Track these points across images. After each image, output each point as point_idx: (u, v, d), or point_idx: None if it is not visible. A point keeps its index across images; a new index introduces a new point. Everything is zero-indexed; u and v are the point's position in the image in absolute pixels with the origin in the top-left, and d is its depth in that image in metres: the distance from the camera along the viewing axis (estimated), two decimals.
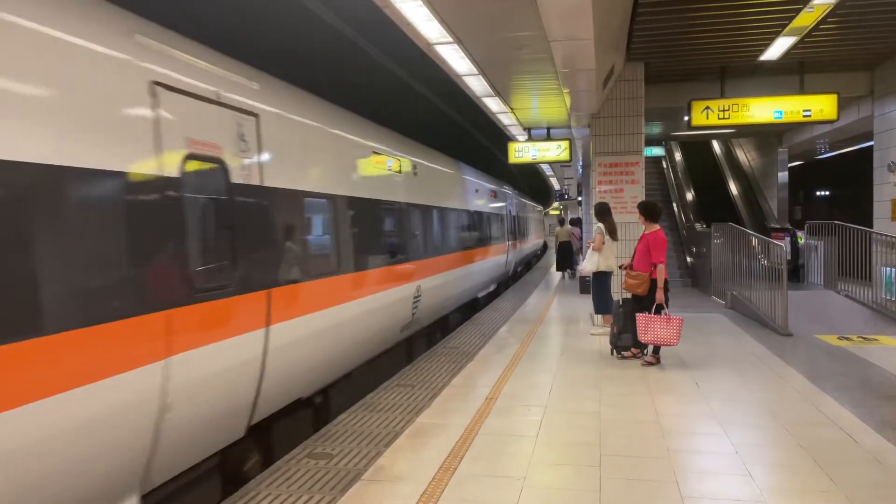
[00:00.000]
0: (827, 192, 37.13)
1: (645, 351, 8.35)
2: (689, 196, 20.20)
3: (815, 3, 8.58)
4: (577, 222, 21.26)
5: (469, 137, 27.67)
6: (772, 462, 4.98)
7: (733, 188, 20.38)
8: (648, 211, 8.41)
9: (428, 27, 6.62)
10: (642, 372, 7.82)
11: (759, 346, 9.07)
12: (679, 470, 4.75)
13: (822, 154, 21.15)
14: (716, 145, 21.96)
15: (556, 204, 54.49)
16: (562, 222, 22.77)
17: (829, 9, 8.75)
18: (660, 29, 9.53)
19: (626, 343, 8.48)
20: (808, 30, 9.63)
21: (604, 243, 9.83)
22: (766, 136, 18.54)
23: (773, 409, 6.20)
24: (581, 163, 20.06)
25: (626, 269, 8.48)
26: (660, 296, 7.91)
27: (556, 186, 38.95)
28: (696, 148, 22.03)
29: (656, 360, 8.13)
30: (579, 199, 28.52)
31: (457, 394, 6.95)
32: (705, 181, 20.72)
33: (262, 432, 5.78)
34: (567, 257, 20.13)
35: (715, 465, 4.89)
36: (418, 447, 5.34)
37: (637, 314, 7.99)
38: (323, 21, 11.45)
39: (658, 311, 7.90)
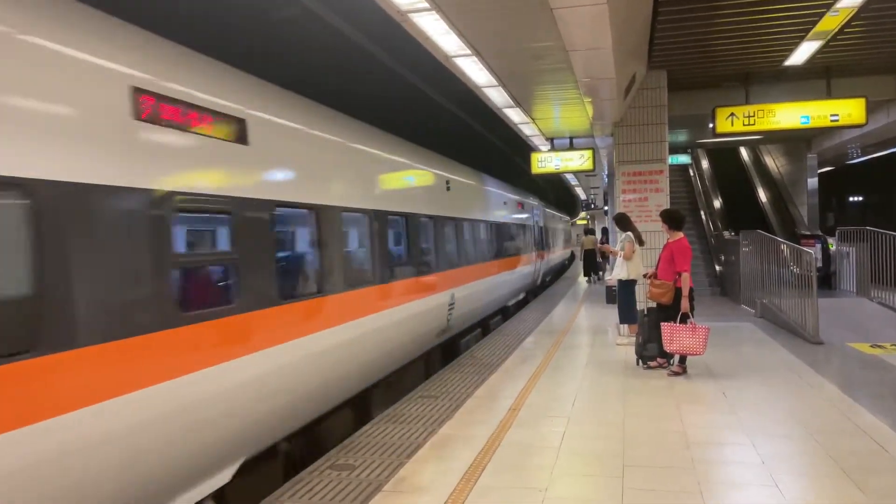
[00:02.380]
0: (860, 198, 36.41)
1: (671, 361, 8.25)
2: (717, 204, 19.97)
3: (839, 6, 8.46)
4: (604, 231, 22.97)
5: (495, 149, 27.73)
6: (800, 473, 4.88)
7: (762, 195, 20.09)
8: (671, 219, 8.33)
9: (446, 40, 6.66)
10: (668, 382, 7.72)
11: (789, 355, 8.90)
12: (704, 481, 4.68)
13: (854, 159, 20.81)
14: (743, 152, 21.70)
15: (582, 214, 54.23)
16: (587, 232, 26.26)
17: (854, 12, 8.62)
18: (681, 36, 9.47)
19: (651, 353, 8.39)
20: (832, 34, 9.49)
21: (634, 251, 9.77)
22: (795, 141, 18.28)
23: (802, 418, 6.08)
24: (606, 172, 19.96)
25: (650, 277, 8.40)
26: (685, 304, 7.82)
27: (582, 196, 38.74)
28: (724, 155, 21.79)
29: (683, 370, 8.02)
30: (605, 208, 28.40)
31: (480, 405, 6.93)
32: (733, 188, 20.47)
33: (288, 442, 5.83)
34: (592, 263, 22.57)
35: (741, 477, 4.81)
36: (440, 458, 5.34)
37: (662, 323, 7.90)
38: (353, 42, 11.67)
39: (683, 321, 7.81)
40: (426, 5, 5.62)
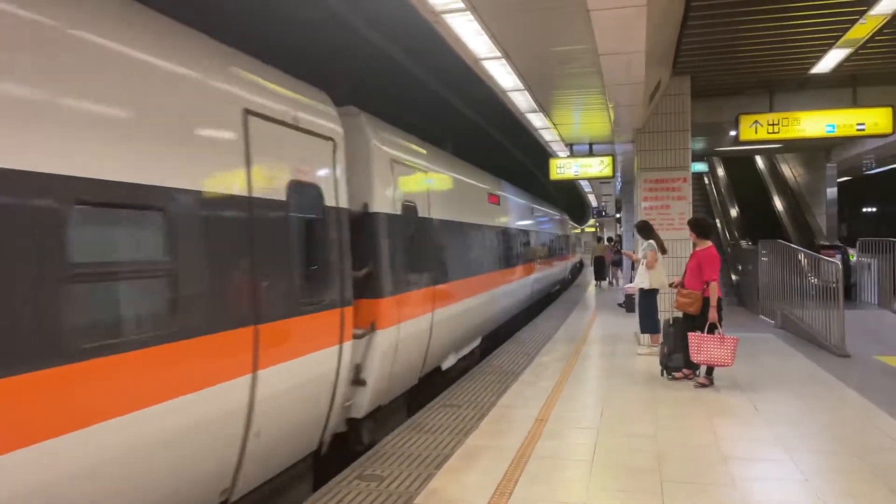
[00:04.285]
0: (874, 209, 36.14)
1: (697, 372, 8.09)
2: (734, 213, 19.78)
3: (869, 14, 8.32)
4: (610, 240, 24.15)
5: (508, 155, 27.63)
6: (846, 491, 4.71)
7: (779, 204, 19.90)
8: (700, 227, 8.19)
9: (477, 42, 6.55)
10: (696, 394, 7.56)
11: (817, 368, 8.73)
12: (749, 499, 4.52)
13: (870, 170, 20.60)
14: (759, 161, 21.51)
15: (591, 221, 53.99)
16: (599, 240, 30.14)
17: (884, 21, 8.47)
18: (708, 42, 9.33)
19: (677, 364, 8.23)
20: (861, 42, 9.34)
21: (657, 260, 9.62)
22: (813, 151, 18.09)
23: (840, 434, 5.91)
24: (620, 179, 19.81)
25: (676, 287, 8.25)
26: (713, 314, 7.67)
27: (594, 203, 38.57)
28: (740, 164, 21.61)
29: (709, 382, 7.86)
30: (618, 215, 28.24)
31: (505, 415, 6.79)
32: (750, 197, 20.28)
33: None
34: (601, 269, 24.65)
35: (787, 495, 4.65)
36: (471, 470, 5.19)
37: (689, 333, 7.75)
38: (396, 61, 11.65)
39: (711, 331, 7.65)
40: (461, 5, 5.51)
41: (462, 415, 6.82)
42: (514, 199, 15.31)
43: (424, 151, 8.45)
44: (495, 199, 13.01)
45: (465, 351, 10.29)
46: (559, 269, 23.56)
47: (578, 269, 35.85)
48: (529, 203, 17.76)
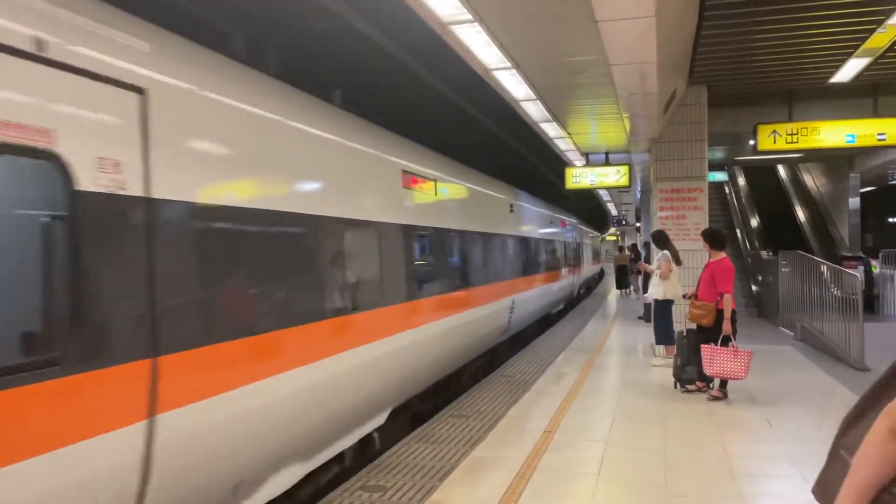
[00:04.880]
0: None
1: (711, 385, 7.98)
2: (754, 222, 19.56)
3: (889, 23, 8.20)
4: (633, 248, 23.15)
5: (526, 161, 27.57)
6: None
7: (801, 214, 19.65)
8: (713, 238, 8.10)
9: (486, 53, 6.56)
10: (708, 407, 7.47)
11: (834, 382, 8.58)
12: None
13: (895, 180, 20.27)
14: (781, 170, 21.26)
15: (612, 230, 53.71)
16: (620, 249, 29.82)
17: None
18: (724, 51, 9.25)
19: (690, 376, 8.13)
20: (881, 51, 9.20)
21: (671, 271, 9.53)
22: (836, 160, 17.85)
23: None
24: (640, 188, 19.69)
25: (690, 298, 8.16)
26: (726, 327, 7.57)
27: (614, 212, 38.35)
28: (761, 173, 21.38)
29: (723, 395, 7.76)
30: (637, 224, 28.07)
31: (513, 426, 6.75)
32: (771, 207, 20.04)
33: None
34: (623, 278, 25.03)
35: None
36: (474, 482, 5.17)
37: (702, 346, 7.65)
38: (427, 83, 11.73)
39: (725, 343, 7.56)
40: (469, 17, 5.53)
41: (470, 425, 6.80)
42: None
43: None
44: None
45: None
46: (560, 286, 18.58)
47: (597, 279, 35.55)
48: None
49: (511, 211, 12.83)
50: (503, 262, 11.62)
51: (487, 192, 11.26)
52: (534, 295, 14.23)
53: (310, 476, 5.61)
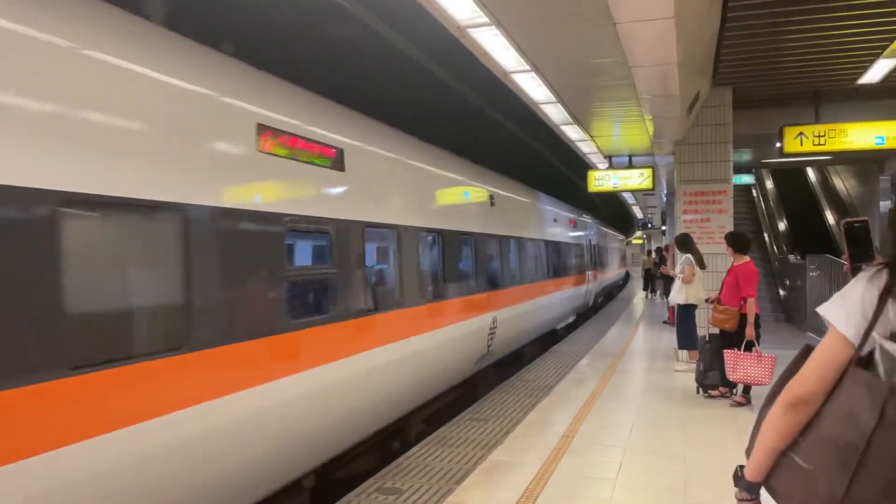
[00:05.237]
0: None
1: (734, 390, 7.87)
2: (782, 226, 19.26)
3: None
4: (658, 252, 23.38)
5: (547, 164, 27.47)
6: None
7: (830, 217, 19.29)
8: (737, 242, 7.99)
9: (505, 56, 6.55)
10: (731, 413, 7.36)
11: None
12: None
13: None
14: (810, 173, 20.91)
15: (638, 233, 53.30)
16: (648, 253, 30.03)
17: None
18: (749, 52, 9.13)
19: (712, 381, 8.02)
20: None
21: (694, 275, 9.42)
22: (866, 163, 17.49)
23: None
24: (665, 191, 19.50)
25: (713, 302, 8.06)
26: (750, 332, 7.46)
27: (639, 215, 38.03)
28: (789, 175, 21.04)
29: (746, 401, 7.65)
30: (663, 228, 27.83)
31: (531, 430, 6.72)
32: (799, 210, 19.71)
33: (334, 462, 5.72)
34: (650, 281, 25.51)
35: None
36: (490, 486, 5.15)
37: (725, 351, 7.55)
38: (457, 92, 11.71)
39: (748, 348, 7.44)
40: (486, 20, 5.52)
41: (488, 429, 6.78)
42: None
43: None
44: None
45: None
46: (567, 296, 15.84)
47: (622, 284, 35.13)
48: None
49: (492, 204, 10.26)
50: (477, 269, 9.14)
51: (449, 175, 8.58)
52: (528, 309, 11.72)
53: (326, 478, 5.64)
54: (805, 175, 21.09)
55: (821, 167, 20.13)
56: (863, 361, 1.65)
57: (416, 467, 5.66)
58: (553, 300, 14.09)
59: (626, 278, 38.03)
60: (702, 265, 9.62)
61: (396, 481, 5.33)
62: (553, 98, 8.47)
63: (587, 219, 20.93)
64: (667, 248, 18.75)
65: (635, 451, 6.00)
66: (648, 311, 19.47)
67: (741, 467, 1.92)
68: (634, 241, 57.25)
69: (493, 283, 9.87)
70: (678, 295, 9.57)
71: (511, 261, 11.05)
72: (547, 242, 14.02)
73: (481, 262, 9.37)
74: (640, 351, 11.95)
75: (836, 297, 1.77)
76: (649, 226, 38.89)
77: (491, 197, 10.19)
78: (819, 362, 1.71)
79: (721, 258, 10.20)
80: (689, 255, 9.55)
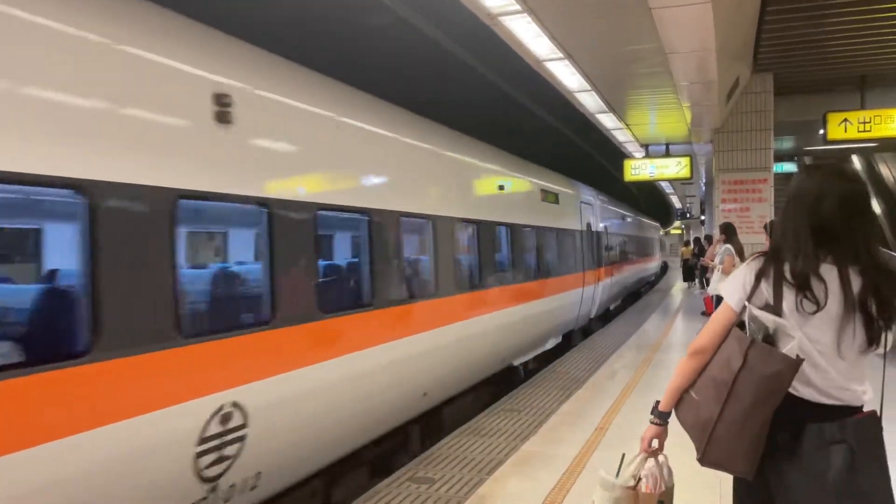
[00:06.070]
0: None
1: None
2: None
3: None
4: (696, 242, 23.56)
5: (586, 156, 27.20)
6: None
7: (876, 207, 18.77)
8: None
9: (537, 44, 6.48)
10: None
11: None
12: None
13: None
14: (855, 160, 20.34)
15: (676, 223, 52.50)
16: (686, 243, 29.20)
17: None
18: (790, 37, 8.90)
19: None
20: None
21: (734, 266, 9.24)
22: None
23: None
24: (704, 180, 19.16)
25: None
26: None
27: (678, 205, 37.45)
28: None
29: None
30: (702, 217, 27.39)
31: (564, 422, 6.67)
32: None
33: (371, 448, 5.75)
34: (689, 272, 25.04)
35: None
36: (522, 477, 5.13)
37: None
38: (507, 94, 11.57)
39: None
40: (517, 7, 5.47)
41: (521, 420, 6.75)
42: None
43: None
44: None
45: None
46: (552, 307, 10.75)
47: (657, 276, 33.03)
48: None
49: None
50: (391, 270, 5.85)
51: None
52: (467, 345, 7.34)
53: (357, 466, 5.69)
54: (850, 163, 20.52)
55: (867, 155, 19.56)
56: (742, 324, 2.22)
57: (448, 457, 5.67)
58: (531, 312, 9.61)
59: (665, 269, 37.36)
60: (741, 256, 9.43)
61: (429, 471, 5.35)
62: (587, 86, 8.37)
63: (586, 193, 13.72)
64: (706, 238, 18.41)
65: (669, 445, 5.90)
66: (687, 303, 19.18)
67: (658, 402, 2.50)
68: (673, 231, 56.41)
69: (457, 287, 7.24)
70: (718, 286, 9.40)
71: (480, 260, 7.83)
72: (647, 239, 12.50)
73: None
74: (677, 343, 11.77)
75: (730, 278, 2.30)
76: (688, 216, 38.30)
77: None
78: (715, 323, 2.29)
79: (761, 248, 9.99)
80: (728, 246, 9.37)
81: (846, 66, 10.39)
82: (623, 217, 20.38)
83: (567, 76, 7.78)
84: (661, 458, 2.53)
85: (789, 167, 18.48)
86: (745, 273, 2.21)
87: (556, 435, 6.24)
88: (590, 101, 9.30)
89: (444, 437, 6.31)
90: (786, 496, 2.14)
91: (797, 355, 2.04)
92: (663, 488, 2.46)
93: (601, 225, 15.05)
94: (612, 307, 16.99)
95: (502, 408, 7.28)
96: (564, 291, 11.32)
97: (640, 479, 2.46)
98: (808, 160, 20.66)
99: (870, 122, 10.28)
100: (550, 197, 10.76)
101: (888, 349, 2.15)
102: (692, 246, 25.42)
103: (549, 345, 11.11)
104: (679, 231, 54.80)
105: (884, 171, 19.23)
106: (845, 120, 10.42)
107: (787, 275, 2.07)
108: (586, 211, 13.19)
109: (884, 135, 10.34)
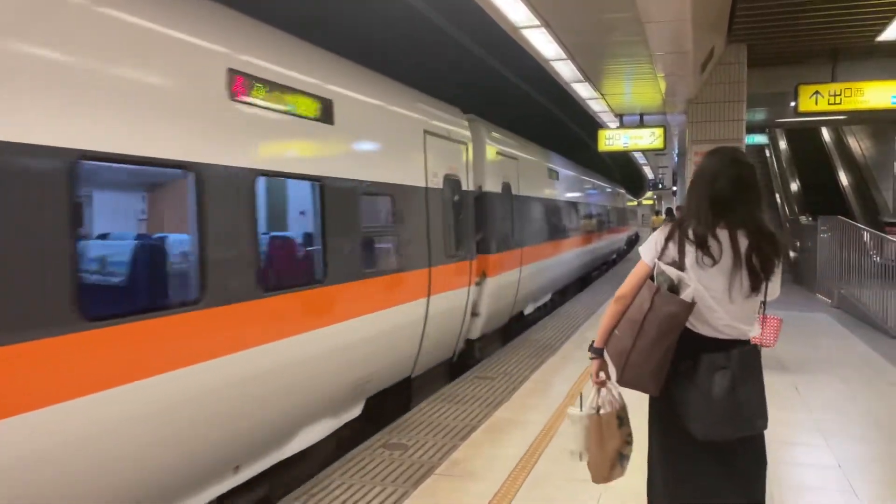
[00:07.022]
0: None
1: None
2: (794, 187, 19.09)
3: None
4: (668, 212, 22.20)
5: (561, 125, 27.15)
6: (880, 479, 4.56)
7: (843, 179, 19.08)
8: None
9: (514, 9, 6.41)
10: None
11: (869, 350, 8.40)
12: (775, 482, 4.41)
13: None
14: (825, 133, 20.61)
15: (649, 193, 53.01)
16: (657, 213, 30.11)
17: None
18: (765, 8, 8.93)
19: None
20: None
21: None
22: (882, 123, 17.22)
23: (879, 420, 5.70)
24: (676, 151, 19.30)
25: None
26: None
27: (650, 175, 37.74)
28: (803, 136, 20.75)
29: None
30: (674, 188, 27.61)
31: (537, 389, 6.77)
32: (812, 171, 19.51)
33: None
34: None
35: (816, 480, 4.52)
36: (495, 443, 5.21)
37: None
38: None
39: None
40: None
41: (494, 387, 6.84)
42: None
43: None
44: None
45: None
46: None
47: (626, 248, 31.45)
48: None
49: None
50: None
51: None
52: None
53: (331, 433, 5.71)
54: (819, 135, 20.79)
55: (836, 127, 19.82)
56: (652, 276, 2.69)
57: (422, 423, 5.73)
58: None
59: (635, 239, 37.70)
60: None
61: (402, 437, 5.40)
62: (563, 55, 8.32)
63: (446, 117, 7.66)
64: (678, 208, 18.61)
65: (636, 409, 6.02)
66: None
67: (593, 341, 2.93)
68: (645, 202, 56.98)
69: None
70: None
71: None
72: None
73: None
74: None
75: (646, 241, 2.78)
76: (660, 186, 38.65)
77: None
78: (633, 276, 2.77)
79: None
80: None
81: (818, 39, 10.46)
82: (598, 186, 17.04)
83: (544, 44, 7.73)
84: (609, 385, 2.95)
85: (760, 139, 18.67)
86: (657, 236, 2.72)
87: (528, 402, 6.34)
88: (566, 69, 9.25)
89: (419, 404, 6.38)
90: (685, 410, 2.65)
91: (692, 299, 2.56)
92: (618, 405, 2.99)
93: (584, 196, 13.41)
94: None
95: (476, 375, 7.36)
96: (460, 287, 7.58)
97: (598, 407, 2.97)
98: (778, 132, 20.92)
99: (840, 94, 10.40)
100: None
101: (768, 298, 2.73)
102: (663, 216, 25.70)
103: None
104: (651, 202, 55.34)
105: (852, 143, 19.52)
106: (816, 92, 10.53)
107: (691, 236, 2.58)
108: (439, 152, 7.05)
109: (853, 108, 10.48)
